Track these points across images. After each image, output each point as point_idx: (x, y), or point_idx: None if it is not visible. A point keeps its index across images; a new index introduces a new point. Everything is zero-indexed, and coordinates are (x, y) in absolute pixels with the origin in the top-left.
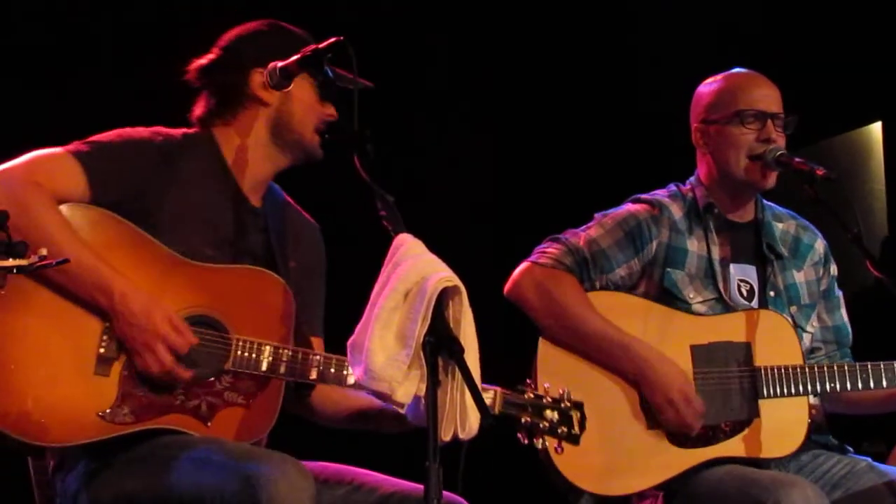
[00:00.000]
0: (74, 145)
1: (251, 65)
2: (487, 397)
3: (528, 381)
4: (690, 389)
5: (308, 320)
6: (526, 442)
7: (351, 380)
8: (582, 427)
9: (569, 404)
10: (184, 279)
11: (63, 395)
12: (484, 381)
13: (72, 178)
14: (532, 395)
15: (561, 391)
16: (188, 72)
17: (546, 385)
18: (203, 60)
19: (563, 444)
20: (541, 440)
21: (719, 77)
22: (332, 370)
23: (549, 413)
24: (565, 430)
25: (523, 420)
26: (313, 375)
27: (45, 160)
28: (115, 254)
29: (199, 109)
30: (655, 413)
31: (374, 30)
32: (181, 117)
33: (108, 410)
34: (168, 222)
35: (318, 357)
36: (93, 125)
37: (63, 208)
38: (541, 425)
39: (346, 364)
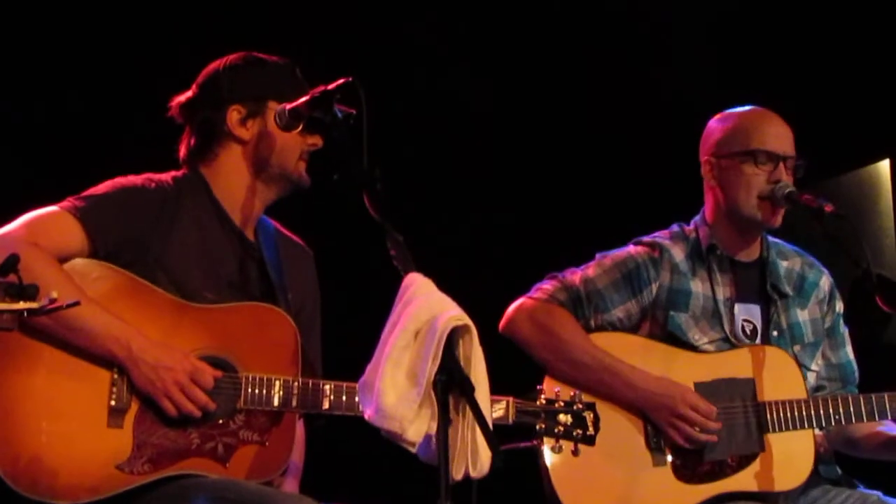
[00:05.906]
0: (69, 201)
1: (227, 102)
2: (500, 408)
3: (538, 387)
4: (695, 397)
5: (311, 351)
6: (543, 447)
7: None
8: (596, 427)
9: (581, 406)
10: (188, 323)
11: (79, 452)
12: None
13: (70, 235)
14: (544, 401)
15: (572, 393)
16: (170, 108)
17: (556, 389)
18: (182, 98)
19: (579, 446)
20: (558, 445)
21: (733, 112)
22: (344, 398)
23: (562, 417)
24: (580, 432)
25: (538, 427)
26: (326, 405)
27: (43, 220)
28: (117, 305)
29: (183, 148)
30: (669, 438)
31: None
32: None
33: (125, 461)
34: (167, 268)
35: (328, 386)
36: (86, 179)
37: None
38: (556, 430)
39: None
